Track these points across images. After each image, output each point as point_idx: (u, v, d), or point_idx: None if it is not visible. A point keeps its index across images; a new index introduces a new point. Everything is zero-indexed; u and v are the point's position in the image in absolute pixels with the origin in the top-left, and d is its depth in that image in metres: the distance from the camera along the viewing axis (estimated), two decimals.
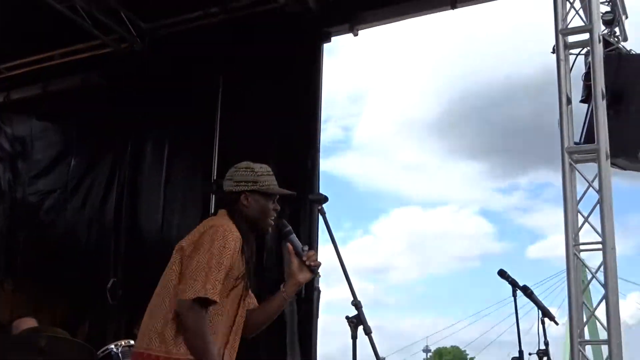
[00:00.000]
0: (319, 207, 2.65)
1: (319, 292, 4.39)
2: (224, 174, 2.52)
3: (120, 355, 3.44)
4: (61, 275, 5.43)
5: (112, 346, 3.48)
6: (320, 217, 2.61)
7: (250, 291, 2.55)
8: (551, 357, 3.51)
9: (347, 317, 2.43)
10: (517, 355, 3.53)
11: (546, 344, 3.47)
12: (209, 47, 5.32)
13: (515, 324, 3.60)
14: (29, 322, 4.22)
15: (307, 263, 2.55)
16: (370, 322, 2.48)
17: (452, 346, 60.68)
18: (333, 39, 4.82)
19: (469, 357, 59.10)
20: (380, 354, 2.63)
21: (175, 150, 5.41)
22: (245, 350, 2.53)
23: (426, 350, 60.45)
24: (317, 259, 2.61)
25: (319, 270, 2.63)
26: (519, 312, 3.66)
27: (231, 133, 4.87)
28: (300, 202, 4.29)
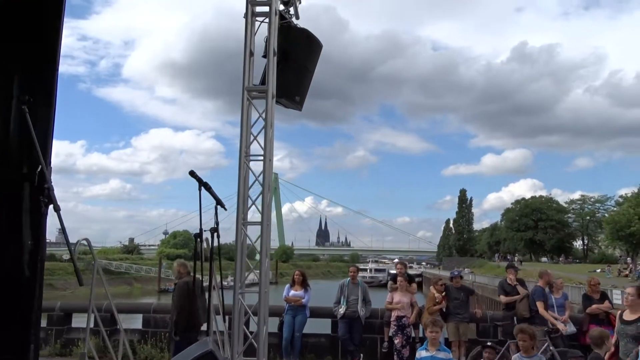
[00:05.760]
0: None
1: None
2: None
3: None
4: None
5: None
6: None
7: None
8: (219, 232, 4.89)
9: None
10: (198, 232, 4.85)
11: (217, 223, 4.84)
12: None
13: (199, 211, 4.88)
14: None
15: None
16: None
17: (183, 230, 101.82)
18: None
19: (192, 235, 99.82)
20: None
21: None
22: None
23: (165, 232, 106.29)
24: None
25: None
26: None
27: None
28: None
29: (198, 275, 4.72)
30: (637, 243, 66.51)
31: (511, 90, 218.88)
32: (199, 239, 4.70)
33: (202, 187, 4.79)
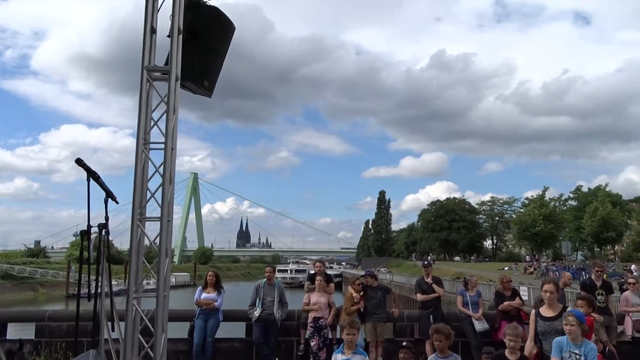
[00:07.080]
0: None
1: None
2: None
3: None
4: None
5: None
6: None
7: None
8: (109, 229, 4.30)
9: None
10: (84, 229, 4.24)
11: (106, 218, 4.26)
12: None
13: (87, 205, 4.28)
14: None
15: None
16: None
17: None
18: None
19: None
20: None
21: None
22: None
23: (76, 234, 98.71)
24: None
25: None
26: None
27: None
28: None
29: (84, 275, 4.11)
30: (541, 242, 70.99)
31: (429, 96, 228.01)
32: (85, 236, 4.12)
33: (91, 178, 4.21)
